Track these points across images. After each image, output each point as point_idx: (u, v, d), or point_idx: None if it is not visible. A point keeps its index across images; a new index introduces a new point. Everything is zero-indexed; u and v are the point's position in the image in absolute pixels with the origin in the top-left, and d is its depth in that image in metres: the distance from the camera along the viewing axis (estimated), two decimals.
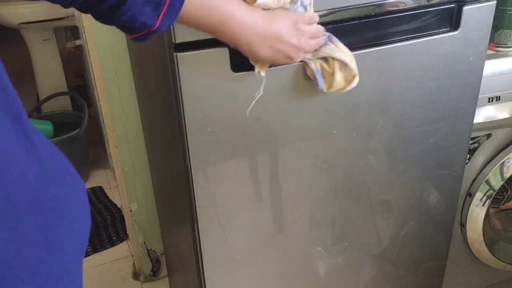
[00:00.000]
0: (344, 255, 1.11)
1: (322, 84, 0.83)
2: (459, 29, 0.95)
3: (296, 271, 1.08)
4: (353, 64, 0.82)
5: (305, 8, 0.78)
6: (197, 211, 0.90)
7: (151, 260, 1.71)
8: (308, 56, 0.81)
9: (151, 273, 1.72)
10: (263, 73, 0.80)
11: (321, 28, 0.79)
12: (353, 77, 0.83)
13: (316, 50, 0.81)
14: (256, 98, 0.84)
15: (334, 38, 0.82)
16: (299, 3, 0.77)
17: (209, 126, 0.83)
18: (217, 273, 0.98)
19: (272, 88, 0.84)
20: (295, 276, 1.08)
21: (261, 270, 1.03)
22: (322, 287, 1.13)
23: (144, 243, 1.67)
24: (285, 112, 0.88)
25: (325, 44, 0.81)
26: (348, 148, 0.98)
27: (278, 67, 0.81)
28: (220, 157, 0.88)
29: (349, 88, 0.83)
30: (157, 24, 0.61)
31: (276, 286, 1.07)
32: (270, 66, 0.80)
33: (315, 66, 0.82)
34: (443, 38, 0.94)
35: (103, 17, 0.60)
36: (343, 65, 0.82)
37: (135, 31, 0.62)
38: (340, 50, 0.81)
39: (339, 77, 0.82)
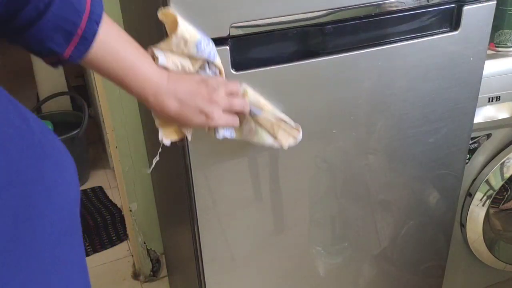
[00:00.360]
0: (344, 255, 1.11)
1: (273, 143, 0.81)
2: (459, 29, 0.95)
3: (296, 271, 1.08)
4: (288, 119, 0.81)
5: (215, 74, 0.75)
6: (197, 211, 0.90)
7: (151, 260, 1.71)
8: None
9: (151, 273, 1.72)
10: (166, 142, 0.75)
11: (234, 86, 0.76)
12: (296, 131, 0.82)
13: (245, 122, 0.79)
14: (154, 163, 0.81)
15: (249, 90, 0.78)
16: (207, 70, 0.74)
17: None
18: (217, 273, 0.98)
19: (272, 88, 0.84)
20: (295, 276, 1.08)
21: (261, 270, 1.03)
22: (322, 287, 1.13)
23: (144, 243, 1.67)
24: (285, 112, 0.88)
25: (251, 114, 0.78)
26: (348, 148, 0.98)
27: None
28: (220, 157, 0.88)
29: (293, 143, 0.82)
30: (68, 53, 0.57)
31: (276, 286, 1.07)
32: (181, 131, 0.76)
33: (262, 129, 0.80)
34: (443, 38, 0.94)
35: (10, 36, 0.56)
36: (282, 123, 0.81)
37: (44, 55, 0.58)
38: (268, 111, 0.79)
39: (281, 134, 0.81)
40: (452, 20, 0.95)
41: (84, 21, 0.56)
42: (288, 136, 0.82)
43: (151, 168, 0.82)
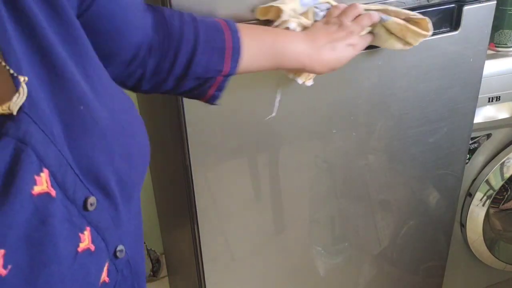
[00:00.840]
0: (344, 255, 1.11)
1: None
2: (459, 29, 0.95)
3: (296, 271, 1.08)
4: (414, 14, 0.81)
5: (328, 9, 0.79)
6: (197, 211, 0.90)
7: (151, 260, 1.71)
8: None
9: (151, 273, 1.72)
10: (309, 83, 0.81)
11: (354, 9, 0.78)
12: (426, 26, 0.81)
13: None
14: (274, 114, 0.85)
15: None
16: (320, 14, 0.78)
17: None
18: (217, 273, 0.98)
19: (272, 88, 0.84)
20: (295, 276, 1.08)
21: (261, 270, 1.03)
22: (322, 287, 1.13)
23: (144, 243, 1.67)
24: (285, 112, 0.88)
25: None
26: (348, 148, 0.98)
27: None
28: (220, 157, 0.88)
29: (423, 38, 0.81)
30: (226, 68, 0.65)
31: (276, 286, 1.07)
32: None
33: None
34: (443, 38, 0.94)
35: (180, 81, 0.63)
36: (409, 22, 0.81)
37: (208, 83, 0.65)
38: (396, 15, 0.80)
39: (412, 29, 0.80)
40: (452, 20, 0.95)
41: (227, 32, 0.65)
42: (418, 36, 0.81)
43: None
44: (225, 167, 0.89)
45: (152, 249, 1.71)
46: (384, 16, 0.80)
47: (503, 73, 1.17)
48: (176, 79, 0.63)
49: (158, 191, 1.47)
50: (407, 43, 0.82)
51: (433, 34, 0.93)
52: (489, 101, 1.18)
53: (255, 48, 0.68)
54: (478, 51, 0.99)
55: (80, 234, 0.42)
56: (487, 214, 1.32)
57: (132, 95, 1.48)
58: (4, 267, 0.35)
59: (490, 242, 1.38)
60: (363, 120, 0.96)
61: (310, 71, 0.76)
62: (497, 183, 1.28)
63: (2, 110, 0.36)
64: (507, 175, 1.28)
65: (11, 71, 0.37)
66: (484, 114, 1.20)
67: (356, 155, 0.99)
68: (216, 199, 0.91)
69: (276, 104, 0.85)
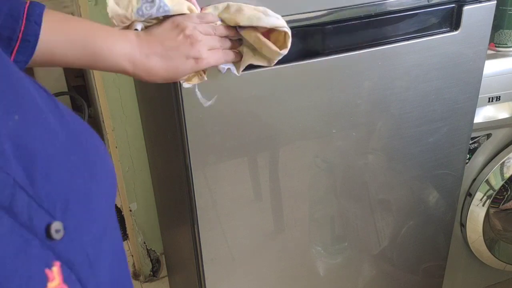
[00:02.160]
0: (343, 255, 1.11)
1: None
2: (459, 29, 0.95)
3: (295, 271, 1.08)
4: (280, 22, 0.70)
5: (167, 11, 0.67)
6: (197, 211, 0.90)
7: (151, 260, 1.71)
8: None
9: (151, 273, 1.72)
10: (186, 85, 0.73)
11: (208, 16, 0.69)
12: (285, 36, 0.71)
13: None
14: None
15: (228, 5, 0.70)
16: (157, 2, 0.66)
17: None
18: (217, 273, 0.98)
19: (272, 88, 0.84)
20: (295, 276, 1.08)
21: (261, 270, 1.03)
22: (322, 287, 1.13)
23: (144, 243, 1.67)
24: (285, 112, 0.88)
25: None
26: (347, 147, 0.98)
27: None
28: (220, 157, 0.88)
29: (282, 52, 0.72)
30: (12, 58, 0.55)
31: (276, 286, 1.07)
32: (198, 76, 0.72)
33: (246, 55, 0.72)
34: (443, 38, 0.94)
35: None
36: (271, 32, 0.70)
37: None
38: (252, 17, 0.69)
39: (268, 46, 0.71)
40: (452, 20, 0.95)
41: (24, 20, 0.55)
42: (271, 52, 0.71)
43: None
44: (225, 167, 0.89)
45: (152, 249, 1.71)
46: (241, 28, 0.71)
47: (503, 73, 1.17)
48: None
49: (158, 191, 1.47)
50: (269, 58, 0.73)
51: (433, 34, 0.94)
52: (489, 101, 1.17)
53: (60, 35, 0.59)
54: (478, 51, 0.99)
55: (47, 271, 0.33)
56: (487, 214, 1.32)
57: (132, 95, 1.48)
58: None
59: (490, 242, 1.37)
60: (363, 120, 0.96)
61: (136, 78, 0.67)
62: (497, 183, 1.28)
63: None
64: (507, 175, 1.28)
65: None
66: (484, 114, 1.20)
67: (356, 155, 0.99)
68: (216, 199, 0.91)
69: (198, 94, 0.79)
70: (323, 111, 0.91)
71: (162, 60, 0.65)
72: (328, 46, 0.87)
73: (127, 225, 1.68)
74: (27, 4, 0.57)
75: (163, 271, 1.73)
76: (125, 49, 0.63)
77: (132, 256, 1.79)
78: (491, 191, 1.28)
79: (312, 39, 0.85)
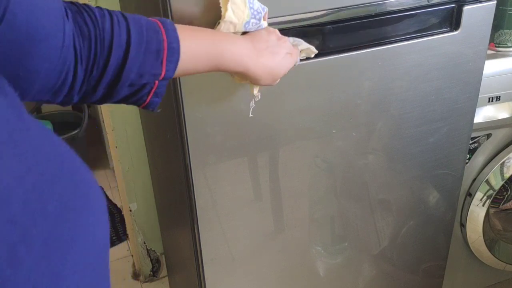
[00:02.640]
0: (343, 255, 1.11)
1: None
2: (459, 29, 0.95)
3: (295, 271, 1.08)
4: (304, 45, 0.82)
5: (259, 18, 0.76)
6: (197, 211, 0.90)
7: (151, 260, 1.71)
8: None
9: (151, 273, 1.72)
10: (256, 92, 0.79)
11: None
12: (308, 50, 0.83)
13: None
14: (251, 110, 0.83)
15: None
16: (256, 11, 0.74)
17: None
18: (217, 273, 0.98)
19: (272, 88, 0.84)
20: (295, 276, 1.08)
21: (261, 270, 1.03)
22: (322, 287, 1.13)
23: (144, 243, 1.67)
24: (285, 112, 0.88)
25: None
26: (347, 148, 0.98)
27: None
28: (220, 157, 0.88)
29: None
30: (163, 71, 0.59)
31: (276, 286, 1.07)
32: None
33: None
34: (443, 38, 0.94)
35: (111, 89, 0.57)
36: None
37: (145, 89, 0.59)
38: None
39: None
40: (452, 20, 0.95)
41: (163, 31, 0.58)
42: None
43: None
44: (225, 167, 0.89)
45: (152, 249, 1.71)
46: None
47: (503, 73, 1.17)
48: (107, 87, 0.57)
49: (158, 191, 1.47)
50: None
51: (433, 34, 0.94)
52: (489, 101, 1.17)
53: (193, 47, 0.63)
54: (478, 51, 0.99)
55: None
56: (487, 214, 1.32)
57: None
58: None
59: (490, 242, 1.37)
60: (363, 120, 0.96)
61: (253, 76, 0.71)
62: (497, 183, 1.28)
63: None
64: (507, 175, 1.28)
65: None
66: (484, 114, 1.20)
67: (356, 155, 0.99)
68: (216, 199, 0.91)
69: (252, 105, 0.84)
70: (323, 111, 0.91)
71: (271, 56, 0.71)
72: (328, 46, 0.87)
73: (127, 225, 1.68)
74: (156, 19, 0.60)
75: (163, 271, 1.73)
76: (244, 49, 0.69)
77: (132, 256, 1.79)
78: (491, 191, 1.28)
79: (312, 39, 0.85)
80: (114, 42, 0.55)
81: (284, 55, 0.74)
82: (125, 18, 0.57)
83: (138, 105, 0.62)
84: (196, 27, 0.68)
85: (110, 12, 0.56)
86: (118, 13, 0.57)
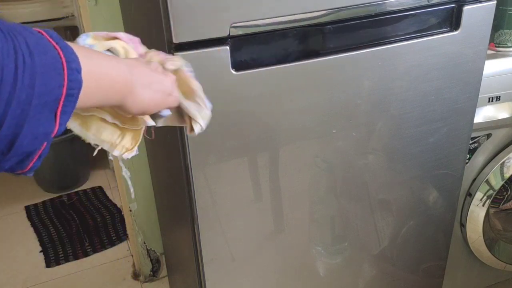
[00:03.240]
0: (343, 255, 1.11)
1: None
2: (459, 29, 0.95)
3: (295, 271, 1.08)
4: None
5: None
6: (197, 211, 0.90)
7: (151, 260, 1.71)
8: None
9: (151, 273, 1.72)
10: (150, 122, 0.66)
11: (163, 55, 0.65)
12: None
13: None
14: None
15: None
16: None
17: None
18: (217, 273, 0.98)
19: (272, 88, 0.84)
20: (295, 276, 1.08)
21: (261, 270, 1.03)
22: (322, 287, 1.13)
23: (144, 243, 1.67)
24: (285, 112, 0.88)
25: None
26: (347, 148, 0.98)
27: None
28: (220, 157, 0.88)
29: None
30: (56, 126, 0.45)
31: (276, 286, 1.07)
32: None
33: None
34: (443, 38, 0.94)
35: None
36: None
37: (33, 154, 0.44)
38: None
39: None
40: (452, 20, 0.95)
41: (63, 62, 0.44)
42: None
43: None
44: (225, 167, 0.89)
45: (152, 249, 1.71)
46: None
47: (503, 73, 1.17)
48: None
49: (158, 191, 1.47)
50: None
51: (433, 34, 0.94)
52: (489, 101, 1.17)
53: (93, 81, 0.47)
54: (478, 51, 0.99)
55: None
56: (487, 214, 1.32)
57: None
58: None
59: (490, 242, 1.37)
60: (363, 120, 0.96)
61: (125, 107, 0.56)
62: (497, 183, 1.28)
63: None
64: (507, 175, 1.28)
65: None
66: (484, 114, 1.20)
67: (356, 155, 0.99)
68: (216, 199, 0.91)
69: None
70: (323, 111, 0.91)
71: (150, 92, 0.58)
72: (328, 46, 0.87)
73: (127, 225, 1.68)
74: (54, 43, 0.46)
75: (163, 271, 1.73)
76: (127, 78, 0.54)
77: (132, 256, 1.79)
78: (491, 191, 1.28)
79: (312, 39, 0.85)
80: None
81: (159, 90, 0.59)
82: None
83: (16, 173, 0.46)
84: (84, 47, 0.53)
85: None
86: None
